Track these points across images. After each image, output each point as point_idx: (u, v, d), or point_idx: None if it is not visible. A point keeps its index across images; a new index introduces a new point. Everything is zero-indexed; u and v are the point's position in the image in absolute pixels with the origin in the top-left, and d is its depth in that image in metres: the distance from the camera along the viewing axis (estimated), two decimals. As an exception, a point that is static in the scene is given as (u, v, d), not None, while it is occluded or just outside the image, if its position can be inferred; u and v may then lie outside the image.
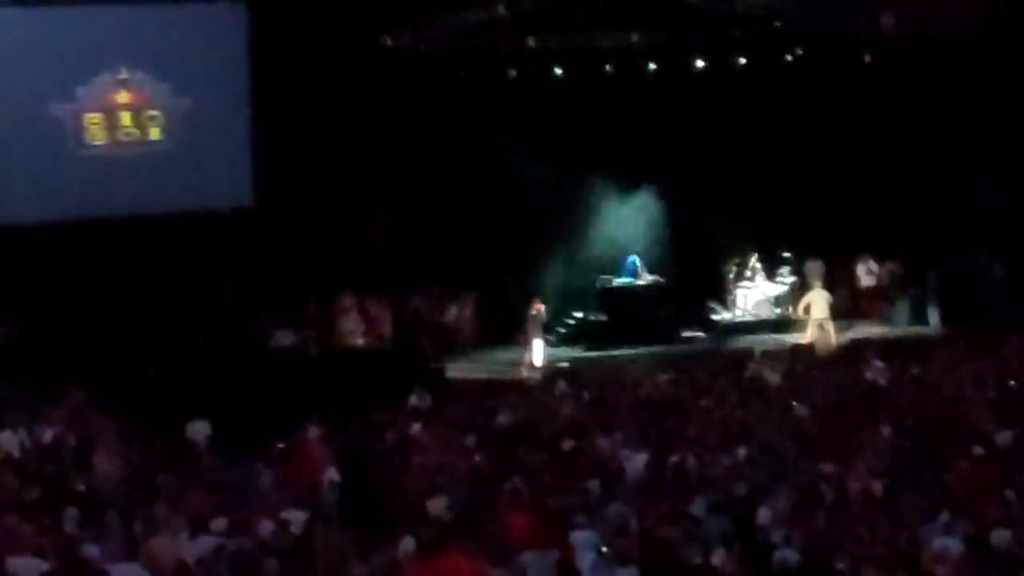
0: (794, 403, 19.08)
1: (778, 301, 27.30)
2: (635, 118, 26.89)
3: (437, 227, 26.08)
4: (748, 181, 27.14)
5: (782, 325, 26.85)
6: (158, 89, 24.76)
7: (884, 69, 26.96)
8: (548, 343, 25.46)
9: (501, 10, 25.70)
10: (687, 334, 26.46)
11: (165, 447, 17.16)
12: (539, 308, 25.23)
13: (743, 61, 26.94)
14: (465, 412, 19.82)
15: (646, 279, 26.86)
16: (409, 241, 26.04)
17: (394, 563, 11.77)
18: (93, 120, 24.48)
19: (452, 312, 26.37)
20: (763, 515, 13.18)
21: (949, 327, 25.66)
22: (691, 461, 15.57)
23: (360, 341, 25.44)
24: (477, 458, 16.52)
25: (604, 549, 12.14)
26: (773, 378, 21.54)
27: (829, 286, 26.89)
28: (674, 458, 15.68)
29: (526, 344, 25.07)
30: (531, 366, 24.80)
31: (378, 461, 16.38)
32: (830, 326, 25.59)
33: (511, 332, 25.66)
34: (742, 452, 16.03)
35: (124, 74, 24.46)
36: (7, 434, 17.05)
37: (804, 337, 25.53)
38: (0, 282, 22.65)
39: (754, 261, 27.51)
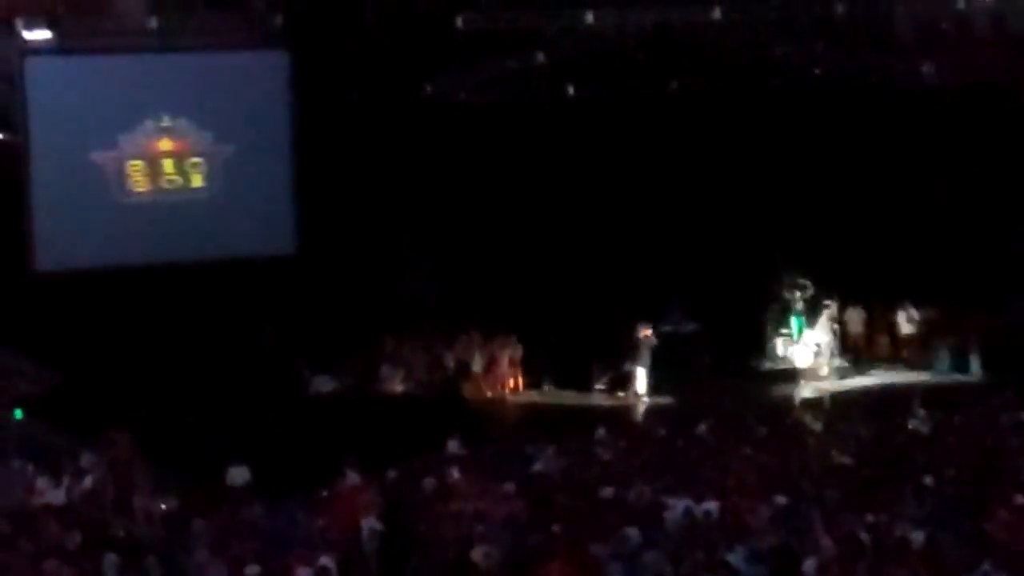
0: (835, 451, 18.95)
1: (819, 349, 27.10)
2: (675, 165, 26.88)
3: (478, 274, 26.08)
4: (789, 229, 27.04)
5: (823, 372, 26.66)
6: (200, 136, 24.98)
7: (926, 117, 26.90)
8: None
9: (540, 58, 25.85)
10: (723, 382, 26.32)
11: (204, 493, 17.18)
12: (647, 334, 25.01)
13: (781, 110, 26.91)
14: (503, 459, 19.72)
15: (686, 327, 26.74)
16: (449, 288, 26.06)
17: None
18: (135, 167, 24.72)
19: (493, 358, 26.26)
20: (808, 565, 13.07)
21: (990, 375, 25.49)
22: (730, 509, 15.48)
23: (399, 388, 25.47)
24: (516, 505, 16.44)
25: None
26: (814, 426, 21.39)
27: (869, 333, 26.83)
28: (713, 506, 15.59)
29: (631, 372, 24.88)
30: (635, 394, 24.79)
31: (416, 509, 16.35)
32: None
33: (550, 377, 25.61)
34: (782, 500, 15.92)
35: (166, 122, 24.69)
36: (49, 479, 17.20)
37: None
38: (42, 329, 22.82)
39: (796, 307, 27.35)
